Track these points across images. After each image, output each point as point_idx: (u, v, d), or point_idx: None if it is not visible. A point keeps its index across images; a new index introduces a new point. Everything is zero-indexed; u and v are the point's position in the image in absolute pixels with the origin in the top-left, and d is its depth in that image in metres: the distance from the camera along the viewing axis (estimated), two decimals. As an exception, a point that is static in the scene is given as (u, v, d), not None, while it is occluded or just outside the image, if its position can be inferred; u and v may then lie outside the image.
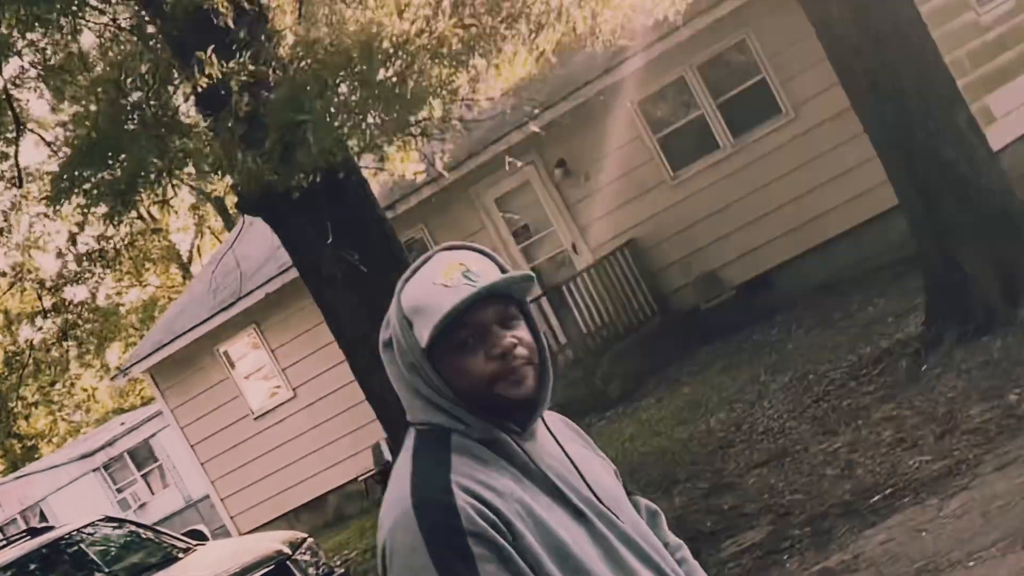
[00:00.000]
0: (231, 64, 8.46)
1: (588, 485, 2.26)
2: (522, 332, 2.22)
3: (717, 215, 15.98)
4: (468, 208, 17.42)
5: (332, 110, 8.50)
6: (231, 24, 8.83)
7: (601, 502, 2.25)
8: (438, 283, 2.19)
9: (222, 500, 20.90)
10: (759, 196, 15.59)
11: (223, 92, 8.72)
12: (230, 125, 8.64)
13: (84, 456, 39.95)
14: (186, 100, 9.84)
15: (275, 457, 19.87)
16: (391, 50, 7.60)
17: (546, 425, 2.31)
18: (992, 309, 9.97)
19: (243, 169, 8.52)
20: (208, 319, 19.26)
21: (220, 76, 8.38)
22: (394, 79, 7.77)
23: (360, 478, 19.02)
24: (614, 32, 9.11)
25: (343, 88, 8.79)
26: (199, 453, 20.77)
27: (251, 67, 8.47)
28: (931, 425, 8.76)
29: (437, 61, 7.97)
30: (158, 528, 12.79)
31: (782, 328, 14.36)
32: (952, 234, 10.18)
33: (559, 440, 2.31)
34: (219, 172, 9.11)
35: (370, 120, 8.27)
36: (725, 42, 15.53)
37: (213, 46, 8.43)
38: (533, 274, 2.31)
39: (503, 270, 2.25)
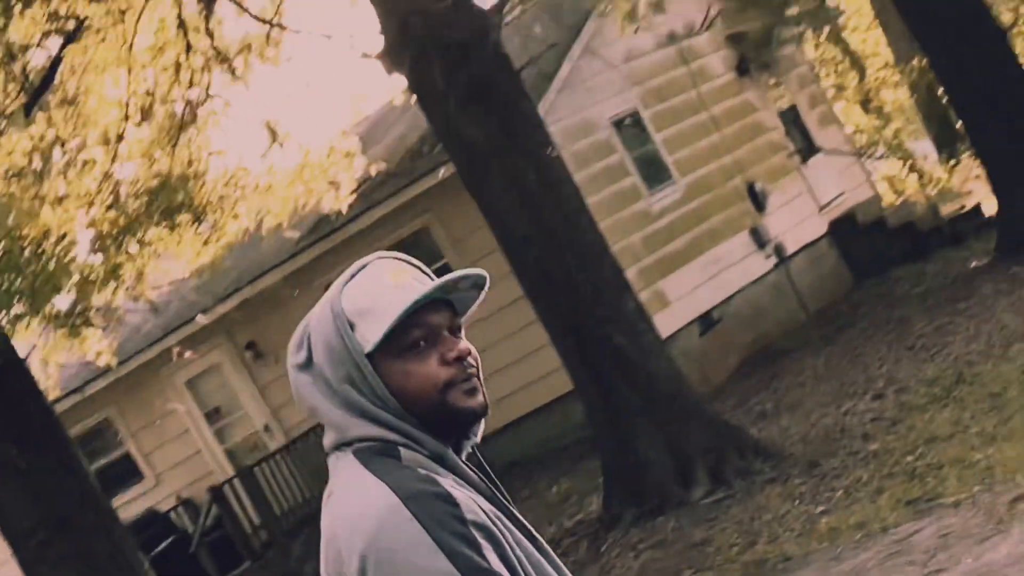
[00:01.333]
0: None
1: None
2: (471, 344, 2.09)
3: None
4: (159, 390, 16.98)
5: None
6: None
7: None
8: (387, 283, 2.05)
9: None
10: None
11: None
12: None
13: None
14: None
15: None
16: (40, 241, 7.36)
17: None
18: (666, 490, 10.25)
19: None
20: None
21: None
22: (42, 267, 7.52)
23: None
24: (281, 225, 9.14)
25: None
26: None
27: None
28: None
29: (101, 250, 7.76)
30: None
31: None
32: (625, 418, 10.46)
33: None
34: None
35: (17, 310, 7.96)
36: (409, 227, 15.77)
37: None
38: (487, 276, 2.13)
39: None
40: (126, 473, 17.47)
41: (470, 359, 2.05)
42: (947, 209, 18.89)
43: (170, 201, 8.10)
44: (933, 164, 23.38)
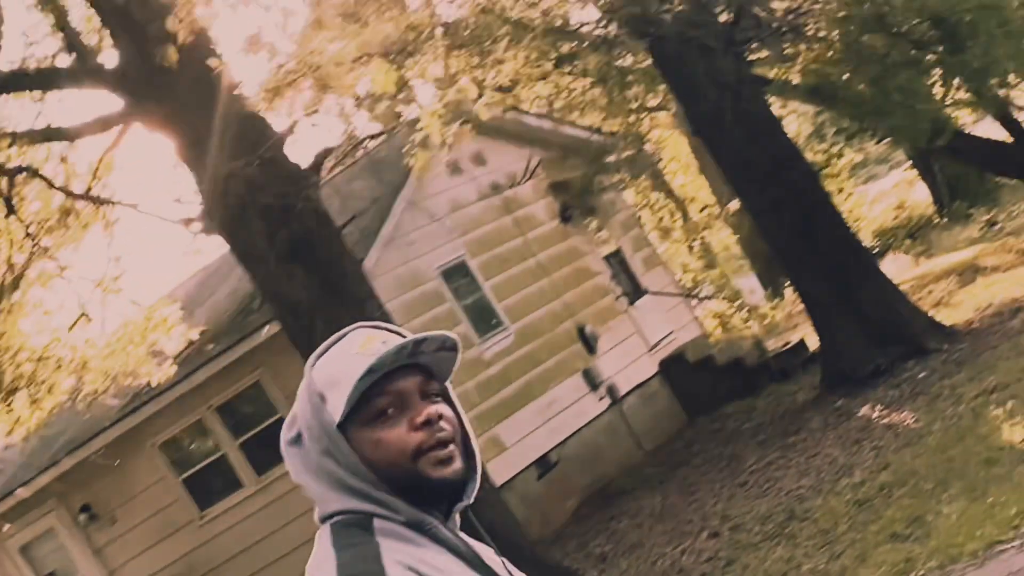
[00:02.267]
0: None
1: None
2: (445, 408, 2.00)
3: (246, 553, 15.71)
4: (-8, 557, 16.34)
5: None
6: None
7: None
8: (354, 353, 1.99)
9: None
10: (287, 532, 15.43)
11: None
12: None
13: None
14: None
15: None
16: None
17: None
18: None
19: None
20: None
21: None
22: None
23: None
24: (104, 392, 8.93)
25: None
26: None
27: None
28: None
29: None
30: None
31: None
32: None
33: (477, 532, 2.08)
34: None
35: None
36: (242, 383, 15.58)
37: None
38: (458, 339, 2.05)
39: None
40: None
41: (442, 423, 1.98)
42: (773, 344, 19.34)
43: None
44: (760, 300, 24.01)
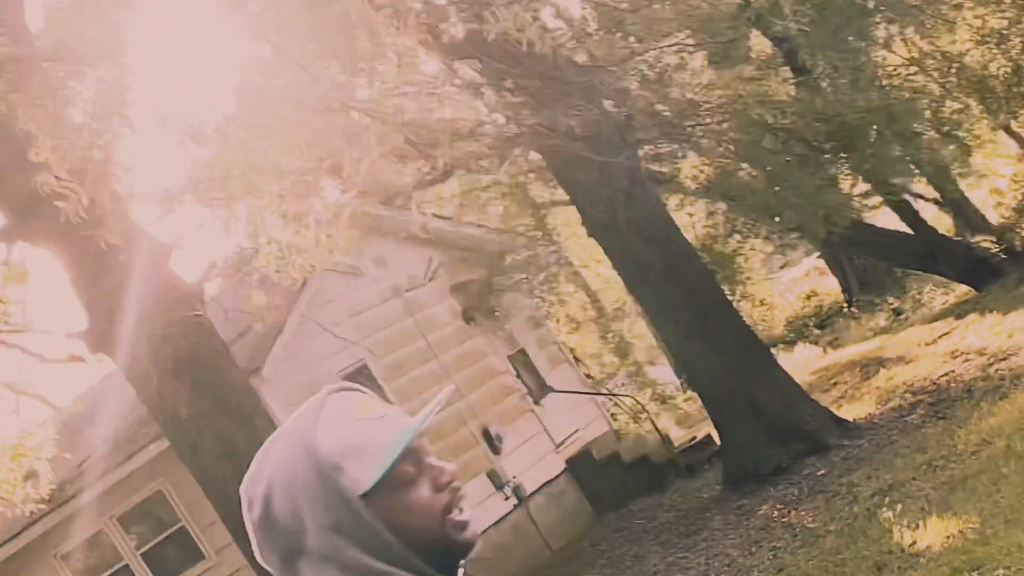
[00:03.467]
0: None
1: None
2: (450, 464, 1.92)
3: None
4: None
5: None
6: None
7: None
8: (364, 418, 1.84)
9: None
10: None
11: None
12: None
13: None
14: None
15: None
16: None
17: None
18: None
19: None
20: None
21: None
22: None
23: None
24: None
25: None
26: None
27: None
28: None
29: None
30: None
31: None
32: None
33: None
34: None
35: None
36: (143, 493, 15.37)
37: None
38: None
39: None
40: None
41: (456, 481, 1.90)
42: (684, 435, 19.33)
43: None
44: (674, 390, 24.02)
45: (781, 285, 29.81)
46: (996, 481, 9.69)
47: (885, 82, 15.61)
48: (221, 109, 11.99)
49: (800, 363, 21.18)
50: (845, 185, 15.16)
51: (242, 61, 11.41)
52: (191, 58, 11.80)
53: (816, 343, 22.90)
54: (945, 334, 17.06)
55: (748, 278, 24.32)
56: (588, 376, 21.72)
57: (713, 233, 19.33)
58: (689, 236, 21.81)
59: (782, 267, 35.65)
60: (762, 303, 26.94)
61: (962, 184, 19.15)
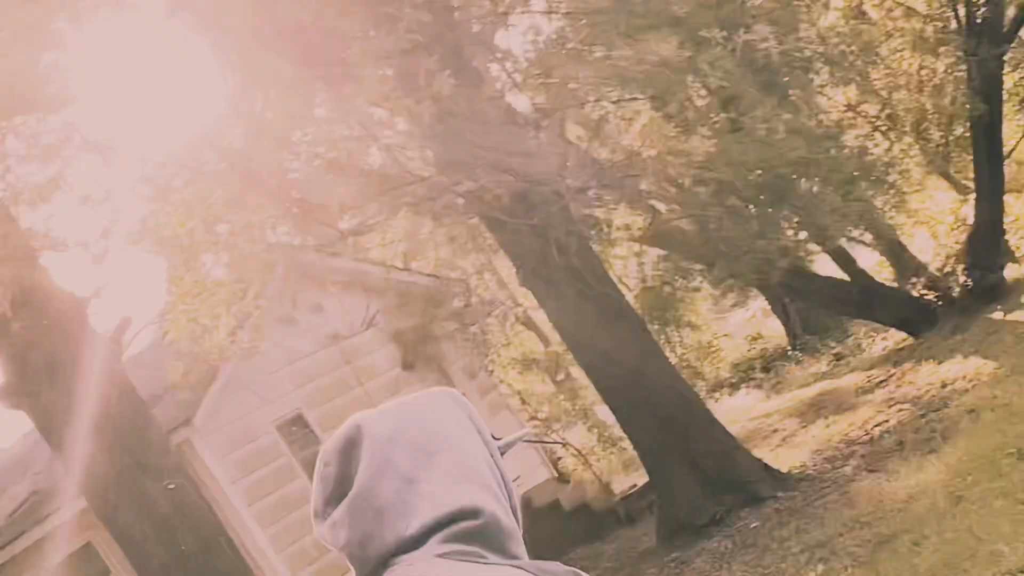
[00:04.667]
0: None
1: None
2: None
3: None
4: None
5: None
6: None
7: None
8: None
9: None
10: None
11: None
12: None
13: None
14: None
15: None
16: None
17: None
18: None
19: None
20: None
21: None
22: None
23: None
24: None
25: None
26: None
27: None
28: None
29: None
30: None
31: None
32: None
33: None
34: None
35: None
36: (74, 543, 15.10)
37: None
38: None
39: None
40: None
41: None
42: (629, 479, 19.27)
43: None
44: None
45: (729, 326, 29.85)
46: (918, 542, 9.69)
47: (820, 131, 15.70)
48: (164, 155, 11.94)
49: (742, 408, 21.23)
50: (788, 231, 15.19)
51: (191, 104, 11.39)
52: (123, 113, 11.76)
53: (760, 387, 22.94)
54: (882, 381, 17.13)
55: (690, 322, 24.33)
56: (534, 419, 21.63)
57: (654, 276, 19.33)
58: (633, 278, 21.92)
59: (733, 306, 35.68)
60: (709, 345, 26.98)
61: (900, 230, 19.26)
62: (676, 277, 16.41)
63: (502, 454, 2.02)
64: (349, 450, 1.84)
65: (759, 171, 13.05)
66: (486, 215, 12.61)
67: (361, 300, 16.09)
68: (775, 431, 17.89)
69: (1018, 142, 18.59)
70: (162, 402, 13.49)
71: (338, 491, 1.84)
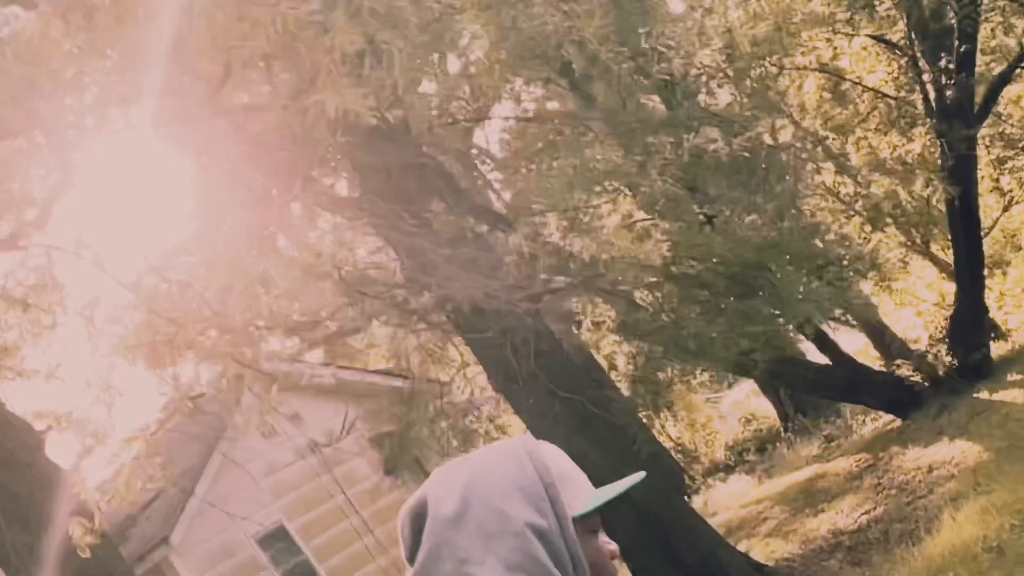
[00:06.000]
0: None
1: None
2: None
3: None
4: None
5: None
6: None
7: None
8: (571, 462, 2.14)
9: None
10: None
11: None
12: None
13: None
14: None
15: None
16: None
17: None
18: None
19: None
20: None
21: None
22: None
23: None
24: None
25: None
26: None
27: None
28: None
29: None
30: None
31: None
32: None
33: None
34: None
35: None
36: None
37: None
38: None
39: None
40: None
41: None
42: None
43: None
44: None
45: (724, 407, 29.69)
46: (896, 643, 9.53)
47: (794, 218, 15.69)
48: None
49: (735, 494, 21.00)
50: (763, 322, 15.12)
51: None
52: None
53: (752, 471, 22.73)
54: (871, 466, 16.94)
55: (684, 406, 24.20)
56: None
57: (636, 368, 19.23)
58: (620, 362, 21.76)
59: (729, 386, 35.51)
60: (703, 427, 26.84)
61: (883, 312, 19.18)
62: (663, 364, 16.31)
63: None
64: (415, 523, 2.03)
65: (725, 263, 13.01)
66: (448, 325, 12.57)
67: (339, 407, 15.98)
68: (765, 519, 17.68)
69: (996, 219, 18.58)
70: (137, 523, 13.35)
71: (409, 555, 2.03)
